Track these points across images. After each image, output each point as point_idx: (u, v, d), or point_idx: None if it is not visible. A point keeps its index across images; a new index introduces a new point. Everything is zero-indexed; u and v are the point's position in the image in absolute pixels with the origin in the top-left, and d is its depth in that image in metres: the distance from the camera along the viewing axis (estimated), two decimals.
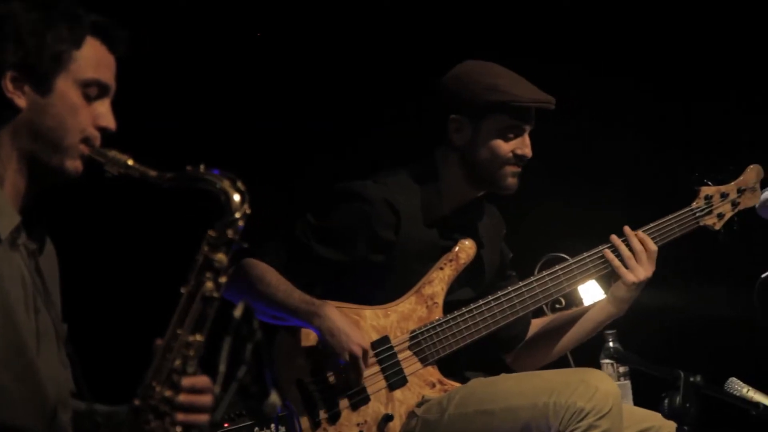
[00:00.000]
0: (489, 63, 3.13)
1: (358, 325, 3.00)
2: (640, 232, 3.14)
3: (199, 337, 1.89)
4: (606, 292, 3.77)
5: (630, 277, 3.10)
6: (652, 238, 3.17)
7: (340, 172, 3.29)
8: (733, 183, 3.30)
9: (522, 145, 3.09)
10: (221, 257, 1.93)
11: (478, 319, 3.06)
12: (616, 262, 3.11)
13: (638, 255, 3.11)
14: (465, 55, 3.20)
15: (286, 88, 4.21)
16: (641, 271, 3.11)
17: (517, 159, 3.09)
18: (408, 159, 3.17)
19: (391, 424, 2.98)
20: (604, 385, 2.87)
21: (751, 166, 3.31)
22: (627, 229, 3.14)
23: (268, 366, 2.86)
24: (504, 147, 3.08)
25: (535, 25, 4.63)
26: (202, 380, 1.91)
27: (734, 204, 3.29)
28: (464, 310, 3.06)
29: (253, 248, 2.97)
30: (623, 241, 3.14)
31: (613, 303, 3.16)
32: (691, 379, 2.50)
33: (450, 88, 3.09)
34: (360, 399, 2.97)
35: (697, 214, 3.25)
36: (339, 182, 3.12)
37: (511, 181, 3.11)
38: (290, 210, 3.23)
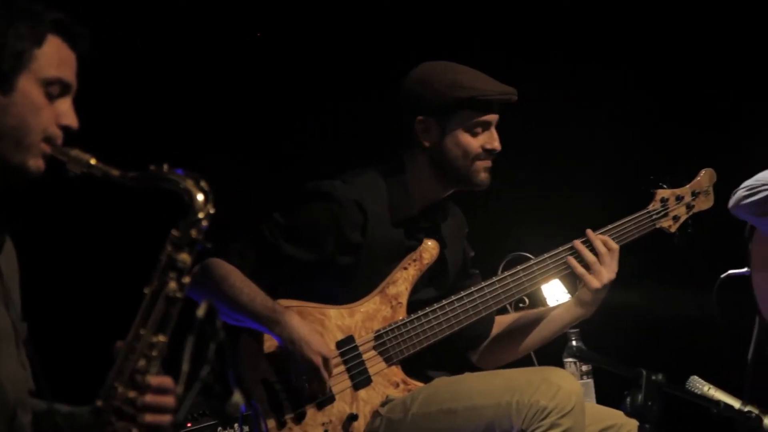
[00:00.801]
0: (447, 62, 3.14)
1: (323, 325, 3.00)
2: (600, 234, 3.15)
3: (162, 338, 1.88)
4: (569, 291, 3.80)
5: (595, 282, 3.11)
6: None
7: (308, 172, 3.28)
8: (687, 186, 3.33)
9: (491, 139, 3.10)
10: (185, 257, 1.91)
11: (441, 319, 3.07)
12: (580, 269, 3.12)
13: (602, 257, 3.12)
14: (431, 52, 3.21)
15: (252, 88, 4.20)
16: (605, 273, 3.12)
17: (487, 153, 3.10)
18: (376, 159, 3.17)
19: (355, 423, 2.98)
20: (567, 384, 2.88)
21: (705, 170, 3.35)
22: (589, 232, 3.15)
23: (233, 365, 2.86)
24: (473, 143, 3.09)
25: (501, 20, 4.66)
26: (165, 381, 1.90)
27: (689, 207, 3.32)
28: (428, 310, 3.07)
29: (218, 248, 2.98)
30: (586, 244, 3.14)
31: (580, 305, 3.17)
32: (653, 377, 2.51)
33: (413, 90, 3.08)
34: (325, 398, 2.97)
35: (654, 217, 3.27)
36: (307, 182, 3.12)
37: (484, 176, 3.12)
38: (256, 209, 3.22)
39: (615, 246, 3.15)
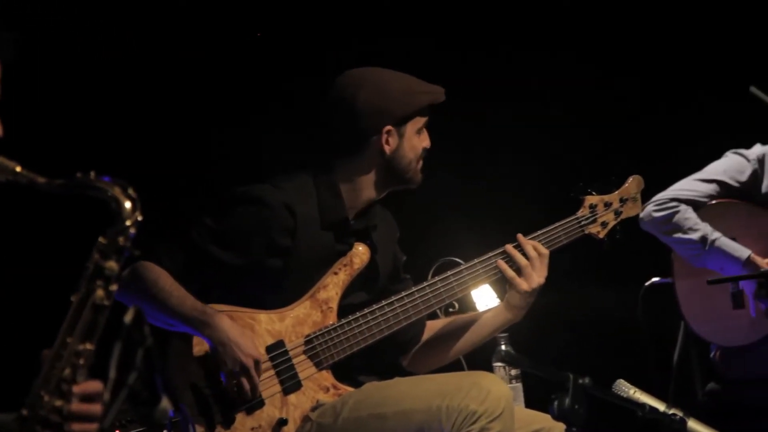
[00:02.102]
0: (378, 68, 3.17)
1: (253, 329, 3.00)
2: (531, 239, 3.19)
3: (89, 346, 1.87)
4: (499, 296, 3.83)
5: (525, 286, 3.14)
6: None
7: (237, 176, 3.27)
8: (616, 192, 3.36)
9: (426, 139, 3.18)
10: (112, 265, 1.90)
11: (372, 324, 3.08)
12: (510, 272, 3.15)
13: (533, 261, 3.15)
14: (360, 51, 3.23)
15: (184, 91, 4.18)
16: (535, 278, 3.15)
17: (424, 153, 3.17)
18: (306, 163, 3.18)
19: (285, 428, 2.97)
20: (496, 388, 2.90)
21: (633, 177, 3.39)
22: (520, 237, 3.18)
23: (161, 370, 2.85)
24: (420, 144, 3.15)
25: (432, 25, 4.68)
26: (93, 387, 1.89)
27: (617, 213, 3.35)
28: (358, 314, 3.07)
29: (148, 252, 2.97)
30: (517, 249, 3.17)
31: (510, 310, 3.20)
32: (580, 381, 2.53)
33: (373, 102, 3.09)
34: (255, 403, 2.96)
35: (582, 223, 3.30)
36: (237, 185, 3.11)
37: (421, 175, 3.19)
38: (186, 213, 3.21)
39: (545, 251, 3.18)
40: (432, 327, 3.29)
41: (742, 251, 4.00)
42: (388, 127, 3.10)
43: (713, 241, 4.02)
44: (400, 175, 3.14)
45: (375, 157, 3.12)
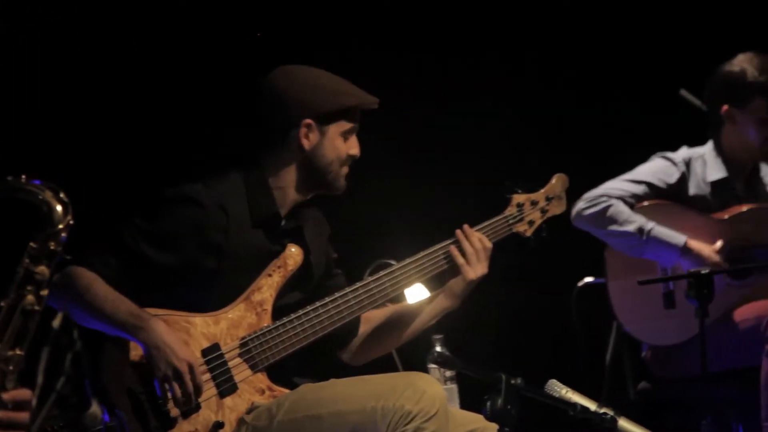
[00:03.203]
0: (316, 68, 3.18)
1: (189, 333, 2.99)
2: (477, 232, 3.22)
3: (19, 352, 1.85)
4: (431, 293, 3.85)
5: (471, 274, 3.18)
6: None
7: (167, 176, 3.26)
8: (542, 191, 3.39)
9: (354, 146, 3.17)
10: (43, 270, 1.89)
11: (306, 325, 3.08)
12: (461, 259, 3.18)
13: (479, 252, 3.20)
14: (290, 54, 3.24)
15: (115, 92, 4.14)
16: (480, 267, 3.20)
17: (350, 159, 3.17)
18: (236, 161, 3.17)
19: (221, 431, 2.97)
20: (431, 389, 2.92)
21: (557, 175, 3.42)
22: (467, 227, 3.21)
23: (95, 376, 2.82)
24: (344, 148, 3.15)
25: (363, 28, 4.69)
26: (22, 395, 1.87)
27: (543, 211, 3.38)
28: (293, 316, 3.08)
29: (79, 256, 2.94)
30: (464, 237, 3.20)
31: (449, 297, 3.22)
32: (512, 381, 2.56)
33: (299, 94, 3.11)
34: (191, 407, 2.94)
35: (510, 222, 3.33)
36: (168, 186, 3.10)
37: (344, 182, 3.19)
38: (117, 216, 3.18)
39: (489, 244, 3.22)
40: (371, 318, 3.29)
41: (679, 238, 4.07)
42: (308, 121, 3.10)
43: (650, 230, 4.08)
44: (319, 175, 3.14)
45: (296, 152, 3.13)
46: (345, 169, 3.17)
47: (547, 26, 5.06)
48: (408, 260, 3.19)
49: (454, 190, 4.77)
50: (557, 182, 3.42)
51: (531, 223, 3.36)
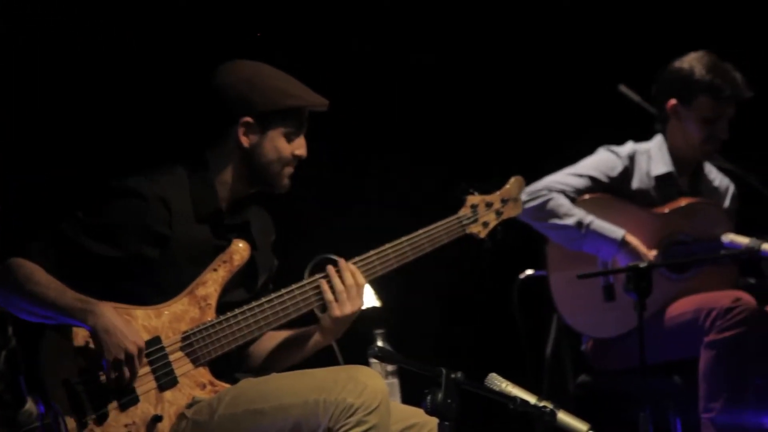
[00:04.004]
0: (262, 64, 3.16)
1: (132, 324, 2.97)
2: (351, 265, 3.17)
3: None
4: (378, 295, 3.86)
5: (337, 312, 3.13)
6: (421, 245, 3.24)
7: (109, 169, 3.23)
8: (497, 193, 3.41)
9: (300, 146, 3.16)
10: None
11: (250, 321, 3.07)
12: (329, 296, 3.13)
13: (349, 289, 3.14)
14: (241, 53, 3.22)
15: (57, 85, 4.10)
16: (348, 306, 3.14)
17: (295, 159, 3.15)
18: (178, 155, 3.16)
19: (160, 425, 2.95)
20: (373, 382, 2.92)
21: (514, 178, 3.44)
22: (342, 262, 3.17)
23: (33, 368, 2.79)
24: (287, 148, 3.13)
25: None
26: None
27: (498, 213, 3.40)
28: (237, 311, 3.06)
29: (19, 248, 2.91)
30: (337, 272, 3.15)
31: (320, 332, 3.19)
32: (453, 375, 2.57)
33: (239, 90, 3.09)
34: (129, 399, 2.93)
35: (464, 222, 3.34)
36: (110, 179, 3.07)
37: (287, 182, 3.17)
38: (59, 209, 3.15)
39: (362, 281, 3.16)
40: (274, 337, 3.26)
41: (617, 232, 4.11)
42: (247, 119, 3.09)
43: (588, 224, 4.12)
44: (260, 174, 3.13)
45: (236, 149, 3.11)
46: (288, 169, 3.15)
47: (494, 25, 5.08)
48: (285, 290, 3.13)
49: (403, 188, 4.77)
50: (514, 185, 3.43)
51: (485, 224, 3.37)
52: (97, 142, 4.10)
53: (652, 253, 4.14)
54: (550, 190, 4.17)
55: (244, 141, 3.11)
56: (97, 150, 4.08)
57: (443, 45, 4.98)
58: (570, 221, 4.13)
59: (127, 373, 2.88)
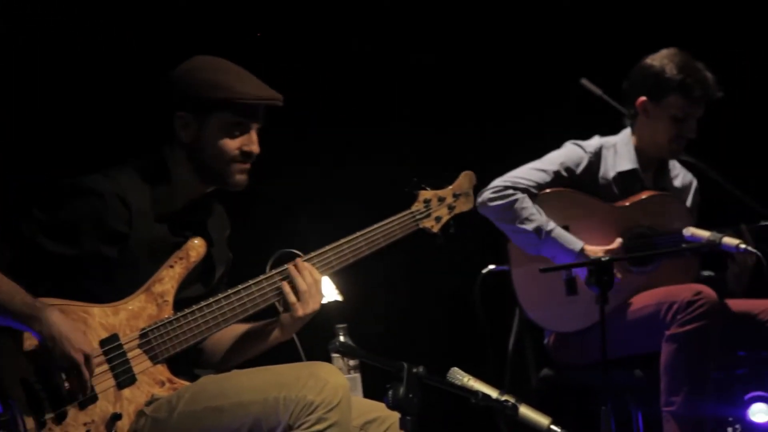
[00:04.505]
0: (217, 59, 3.13)
1: (86, 323, 2.94)
2: (308, 263, 3.15)
3: None
4: (338, 288, 3.84)
5: (300, 311, 3.11)
6: (375, 240, 3.23)
7: (65, 169, 3.20)
8: (449, 188, 3.41)
9: (249, 142, 3.10)
10: None
11: (208, 318, 3.05)
12: (292, 297, 3.11)
13: (311, 287, 3.13)
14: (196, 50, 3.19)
15: (18, 80, 4.06)
16: (311, 304, 3.12)
17: (244, 156, 3.10)
18: (137, 153, 3.13)
19: (119, 423, 2.92)
20: (334, 378, 2.91)
21: (465, 173, 3.44)
22: (299, 261, 3.15)
23: None
24: (230, 144, 3.08)
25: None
26: None
27: (450, 208, 3.40)
28: (195, 308, 3.04)
29: None
30: (297, 272, 3.13)
31: (280, 329, 3.17)
32: (414, 370, 2.57)
33: (175, 84, 3.07)
34: (87, 398, 2.90)
35: (417, 217, 3.33)
36: (67, 177, 3.04)
37: (240, 178, 3.12)
38: (15, 208, 3.12)
39: (318, 276, 3.15)
40: (234, 331, 3.24)
41: (576, 243, 4.11)
42: (181, 113, 3.06)
43: (548, 232, 4.12)
44: (207, 171, 3.09)
45: (180, 147, 3.09)
46: (239, 166, 3.10)
47: (455, 18, 5.08)
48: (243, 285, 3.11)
49: (359, 183, 4.76)
50: (464, 179, 3.43)
51: (438, 219, 3.37)
52: (56, 141, 4.07)
53: (615, 245, 4.14)
54: (516, 188, 4.16)
55: (183, 136, 3.08)
56: (56, 149, 4.05)
57: (403, 38, 4.98)
58: (530, 226, 4.12)
59: (74, 380, 2.85)
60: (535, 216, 4.13)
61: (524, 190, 4.17)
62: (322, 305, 3.57)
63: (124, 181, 3.03)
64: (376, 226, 3.25)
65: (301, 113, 3.98)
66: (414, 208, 3.34)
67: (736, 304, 4.14)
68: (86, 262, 2.97)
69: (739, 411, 4.58)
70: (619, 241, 4.14)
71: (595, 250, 4.09)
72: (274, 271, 3.14)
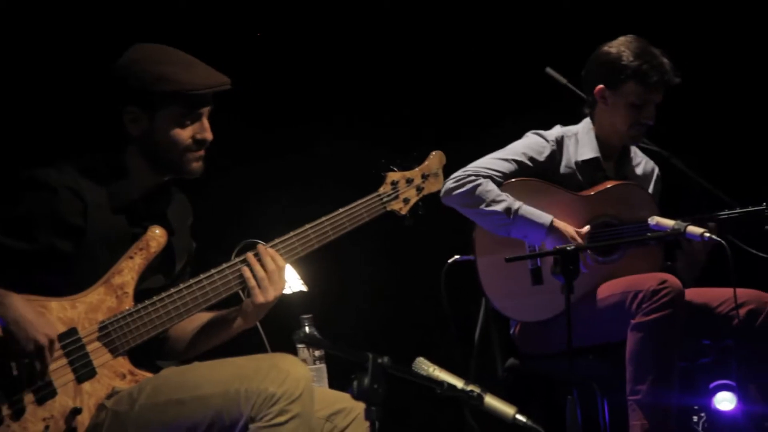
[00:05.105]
0: (159, 47, 3.08)
1: (45, 316, 2.89)
2: (270, 249, 3.12)
3: None
4: (303, 278, 3.82)
5: (261, 298, 3.08)
6: (341, 224, 3.20)
7: (16, 164, 3.15)
8: (417, 168, 3.38)
9: (201, 130, 3.07)
10: None
11: (169, 308, 3.01)
12: (253, 282, 3.08)
13: (271, 274, 3.10)
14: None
15: None
16: (271, 291, 3.09)
17: (198, 144, 3.07)
18: (90, 147, 3.08)
19: (79, 417, 2.89)
20: (296, 370, 2.89)
21: (434, 152, 3.41)
22: (261, 247, 3.12)
23: None
24: (182, 134, 3.05)
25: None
26: None
27: (419, 189, 3.37)
28: (155, 299, 3.01)
29: None
30: (258, 258, 3.11)
31: (242, 316, 3.14)
32: (379, 360, 2.55)
33: (120, 78, 3.02)
34: (46, 393, 2.86)
35: (384, 199, 3.30)
36: (20, 170, 3.00)
37: (195, 166, 3.09)
38: None
39: (282, 263, 3.12)
40: (195, 321, 3.21)
41: (545, 217, 4.10)
42: (130, 108, 3.02)
43: (517, 210, 4.10)
44: (162, 162, 3.06)
45: (132, 139, 3.05)
46: (194, 155, 3.07)
47: (423, 3, 5.07)
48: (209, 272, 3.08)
49: (329, 168, 4.74)
50: (434, 159, 3.40)
51: (406, 200, 3.34)
52: (6, 136, 4.02)
53: (584, 230, 4.13)
54: (478, 175, 4.15)
55: (133, 130, 3.04)
56: (6, 145, 4.00)
57: (368, 22, 4.96)
58: (498, 207, 4.11)
59: (38, 365, 2.81)
60: (502, 197, 4.12)
61: (486, 177, 4.15)
62: (287, 296, 3.55)
63: (77, 173, 2.99)
64: (341, 210, 3.21)
65: (266, 100, 3.95)
66: (381, 190, 3.31)
67: (695, 295, 4.15)
68: (42, 256, 2.93)
69: (704, 399, 4.61)
70: (587, 228, 4.14)
71: (565, 226, 4.08)
72: (236, 259, 3.11)
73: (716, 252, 3.81)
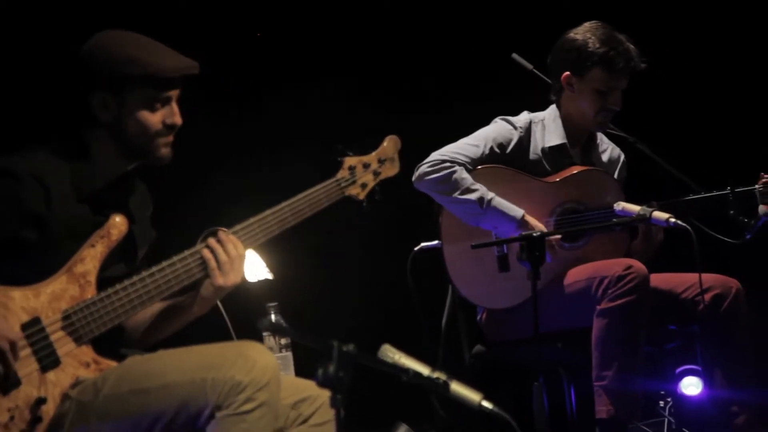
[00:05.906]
0: (125, 33, 3.06)
1: (7, 307, 2.87)
2: (232, 236, 3.11)
3: None
4: (269, 266, 3.80)
5: (221, 280, 3.07)
6: (301, 209, 3.19)
7: None
8: (373, 153, 3.37)
9: (170, 114, 3.06)
10: None
11: (132, 296, 2.99)
12: (213, 263, 3.07)
13: (233, 260, 3.09)
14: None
15: None
16: (232, 276, 3.08)
17: (168, 129, 3.06)
18: (54, 134, 3.05)
19: (44, 407, 2.86)
20: (262, 358, 2.88)
21: (389, 137, 3.41)
22: (222, 234, 3.11)
23: None
24: (153, 119, 3.03)
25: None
26: None
27: (376, 174, 3.36)
28: (118, 287, 2.98)
29: None
30: (219, 243, 3.09)
31: (200, 300, 3.13)
32: (344, 348, 2.54)
33: (87, 63, 2.99)
34: (10, 383, 2.83)
35: (342, 185, 3.30)
36: None
37: (165, 152, 3.08)
38: None
39: (242, 251, 3.11)
40: (152, 307, 3.19)
41: (517, 211, 4.10)
42: (98, 93, 3.00)
43: (489, 200, 4.11)
44: (132, 148, 3.04)
45: (101, 126, 3.03)
46: (164, 140, 3.06)
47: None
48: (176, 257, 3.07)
49: (288, 154, 4.73)
50: (389, 144, 3.40)
51: (364, 185, 3.33)
52: None
53: (554, 238, 4.15)
54: (454, 162, 4.14)
55: (102, 115, 3.01)
56: None
57: (336, 6, 4.95)
58: (472, 196, 4.11)
59: (1, 368, 2.78)
60: (476, 186, 4.12)
61: (461, 165, 4.15)
62: (253, 284, 3.54)
63: (41, 161, 2.96)
64: (301, 195, 3.20)
65: (225, 85, 3.92)
66: (339, 175, 3.29)
67: (661, 280, 4.17)
68: (6, 245, 2.90)
69: (671, 385, 4.64)
70: (558, 237, 4.15)
71: (536, 221, 4.09)
72: (198, 246, 3.09)
73: (681, 237, 3.83)
